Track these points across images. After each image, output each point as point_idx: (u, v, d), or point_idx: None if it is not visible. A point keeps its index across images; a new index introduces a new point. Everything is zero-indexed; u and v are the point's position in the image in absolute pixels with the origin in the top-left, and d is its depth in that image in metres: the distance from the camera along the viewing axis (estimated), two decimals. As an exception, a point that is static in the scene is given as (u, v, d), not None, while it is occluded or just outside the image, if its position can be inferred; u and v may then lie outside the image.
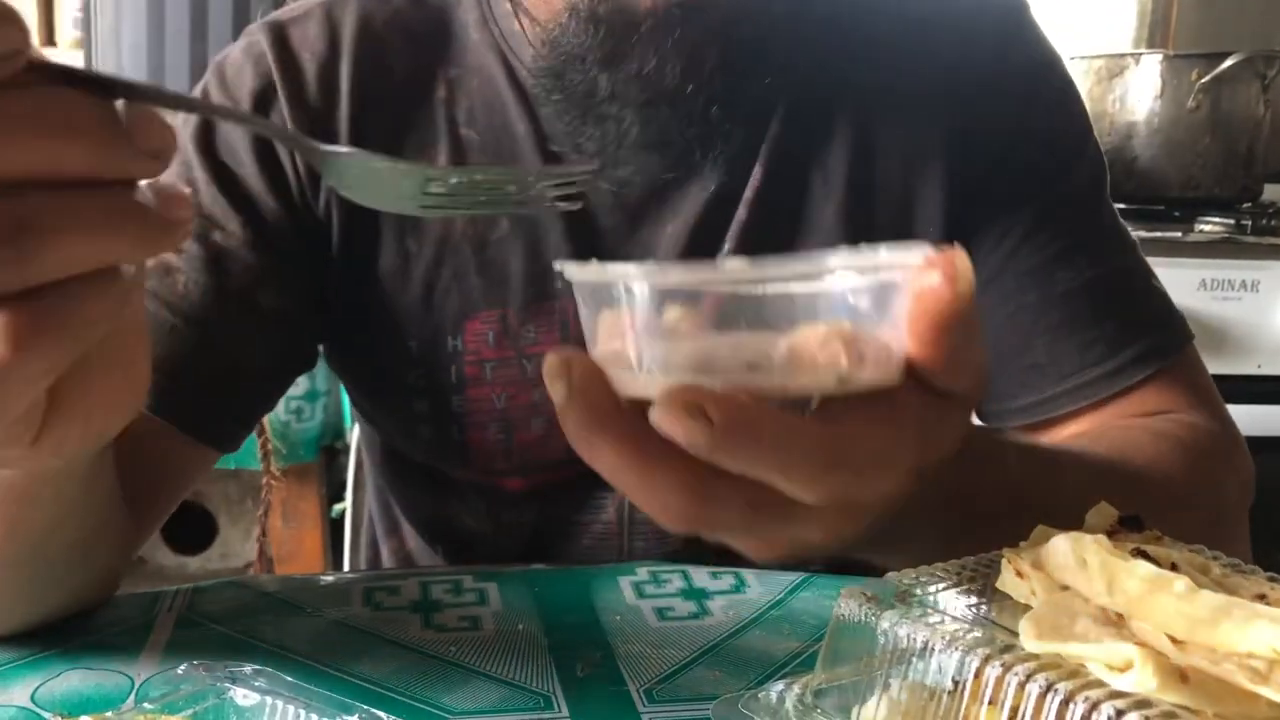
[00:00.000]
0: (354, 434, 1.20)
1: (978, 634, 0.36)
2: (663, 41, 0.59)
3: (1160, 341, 0.72)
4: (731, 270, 0.36)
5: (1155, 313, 0.73)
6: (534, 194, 0.38)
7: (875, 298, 0.37)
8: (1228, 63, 1.85)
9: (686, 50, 0.59)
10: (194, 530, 1.78)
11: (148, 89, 0.31)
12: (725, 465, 0.35)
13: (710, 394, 0.34)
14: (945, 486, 0.42)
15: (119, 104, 0.30)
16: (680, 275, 0.36)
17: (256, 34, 0.71)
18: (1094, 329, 0.71)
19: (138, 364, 0.37)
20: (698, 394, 0.34)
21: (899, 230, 0.71)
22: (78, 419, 0.36)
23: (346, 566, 1.21)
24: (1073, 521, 0.46)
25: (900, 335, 0.38)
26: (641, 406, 0.35)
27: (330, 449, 1.67)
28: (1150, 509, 0.59)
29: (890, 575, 0.41)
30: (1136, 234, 0.77)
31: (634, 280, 0.36)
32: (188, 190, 0.34)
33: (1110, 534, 0.41)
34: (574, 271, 0.37)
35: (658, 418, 0.34)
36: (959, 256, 0.36)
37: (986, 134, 0.71)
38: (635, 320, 0.36)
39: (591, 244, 0.70)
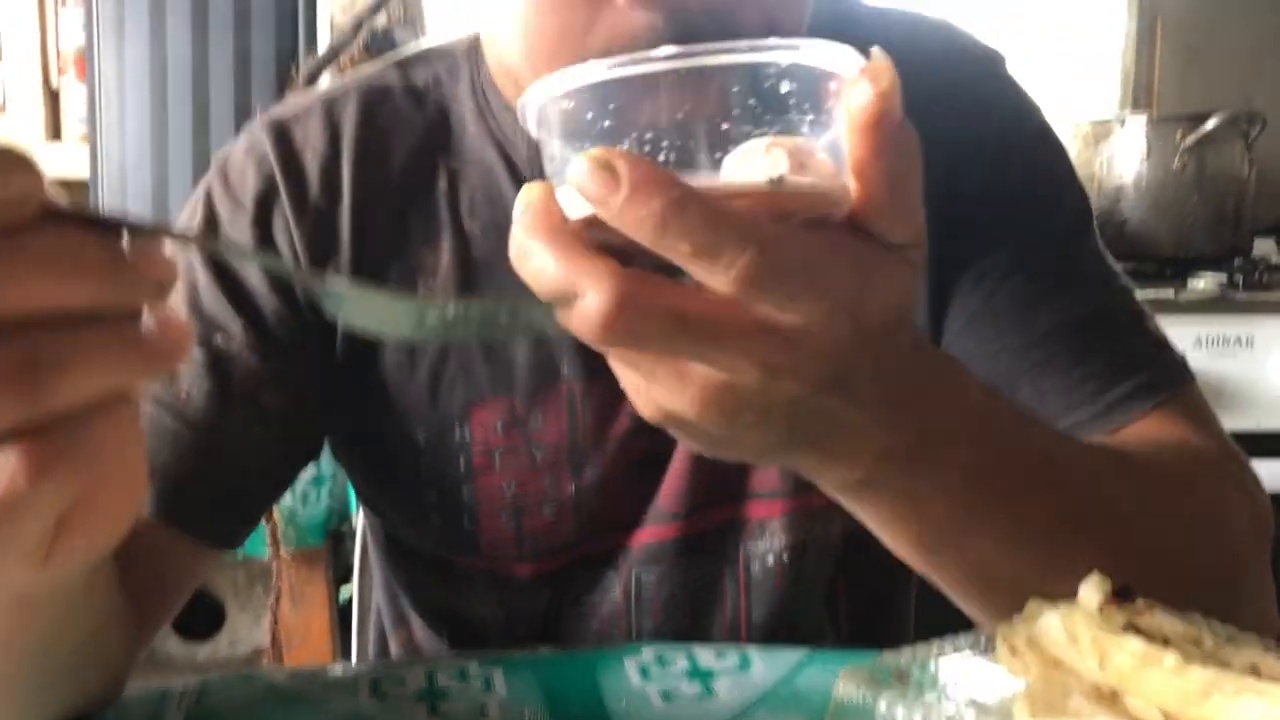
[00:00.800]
0: (359, 518, 1.21)
1: (973, 714, 0.37)
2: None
3: (1154, 378, 0.68)
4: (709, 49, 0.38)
5: (1148, 349, 0.70)
6: (525, 320, 0.39)
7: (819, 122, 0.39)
8: (1211, 123, 1.88)
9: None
10: (202, 618, 1.77)
11: (152, 226, 0.33)
12: (638, 236, 0.36)
13: (624, 155, 0.36)
14: (894, 370, 0.43)
15: (124, 240, 0.32)
16: (655, 60, 0.38)
17: (259, 133, 0.72)
18: (1081, 367, 0.68)
19: (137, 474, 0.38)
20: (610, 153, 0.36)
21: None
22: (82, 535, 0.36)
23: (354, 650, 1.21)
24: (1042, 481, 0.50)
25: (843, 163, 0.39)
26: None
27: (337, 533, 1.67)
28: (1137, 492, 0.58)
29: (887, 655, 0.41)
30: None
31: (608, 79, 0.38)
32: (183, 316, 0.35)
33: (1102, 607, 0.42)
34: (540, 90, 0.39)
35: (575, 178, 0.36)
36: (874, 59, 0.39)
37: (967, 181, 0.71)
38: (604, 126, 0.38)
39: (575, 348, 0.70)
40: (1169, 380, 0.69)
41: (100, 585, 0.54)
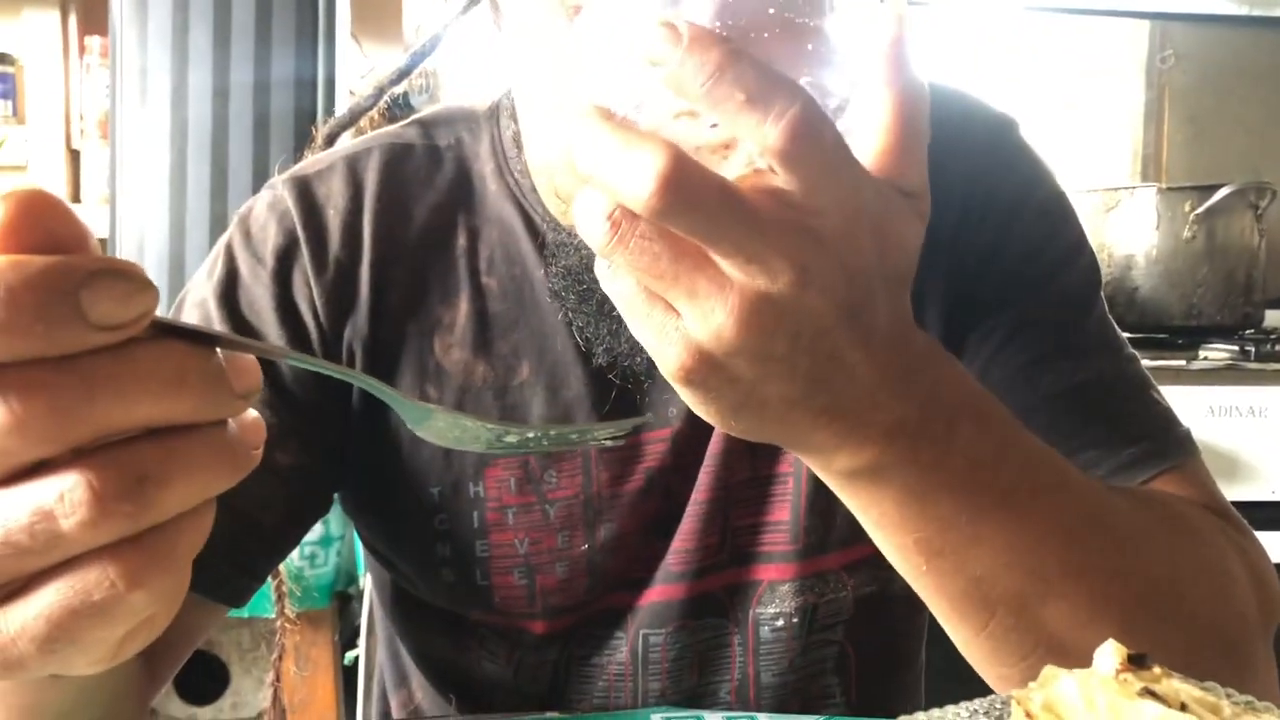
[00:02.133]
0: (367, 580, 1.20)
1: (990, 779, 0.36)
2: None
3: (1158, 447, 0.68)
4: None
5: (1152, 420, 0.70)
6: (593, 438, 0.41)
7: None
8: (1220, 194, 1.90)
9: None
10: (205, 679, 1.75)
11: (238, 339, 0.34)
12: (695, 87, 0.38)
13: (693, 26, 0.38)
14: (902, 338, 0.45)
15: (219, 352, 0.33)
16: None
17: (280, 189, 0.73)
18: (1082, 434, 0.68)
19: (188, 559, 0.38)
20: (674, 17, 0.39)
21: None
22: (147, 633, 0.37)
23: (359, 715, 1.19)
24: (1044, 484, 0.50)
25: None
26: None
27: (344, 594, 1.66)
28: (1143, 516, 0.57)
29: (902, 719, 0.41)
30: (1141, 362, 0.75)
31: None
32: (258, 415, 0.36)
33: (1118, 673, 0.41)
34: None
35: (641, 38, 0.38)
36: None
37: (977, 243, 0.72)
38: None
39: (612, 387, 0.71)
40: (1173, 450, 0.68)
41: (112, 680, 0.54)
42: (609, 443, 0.40)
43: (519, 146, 0.73)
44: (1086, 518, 0.54)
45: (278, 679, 1.35)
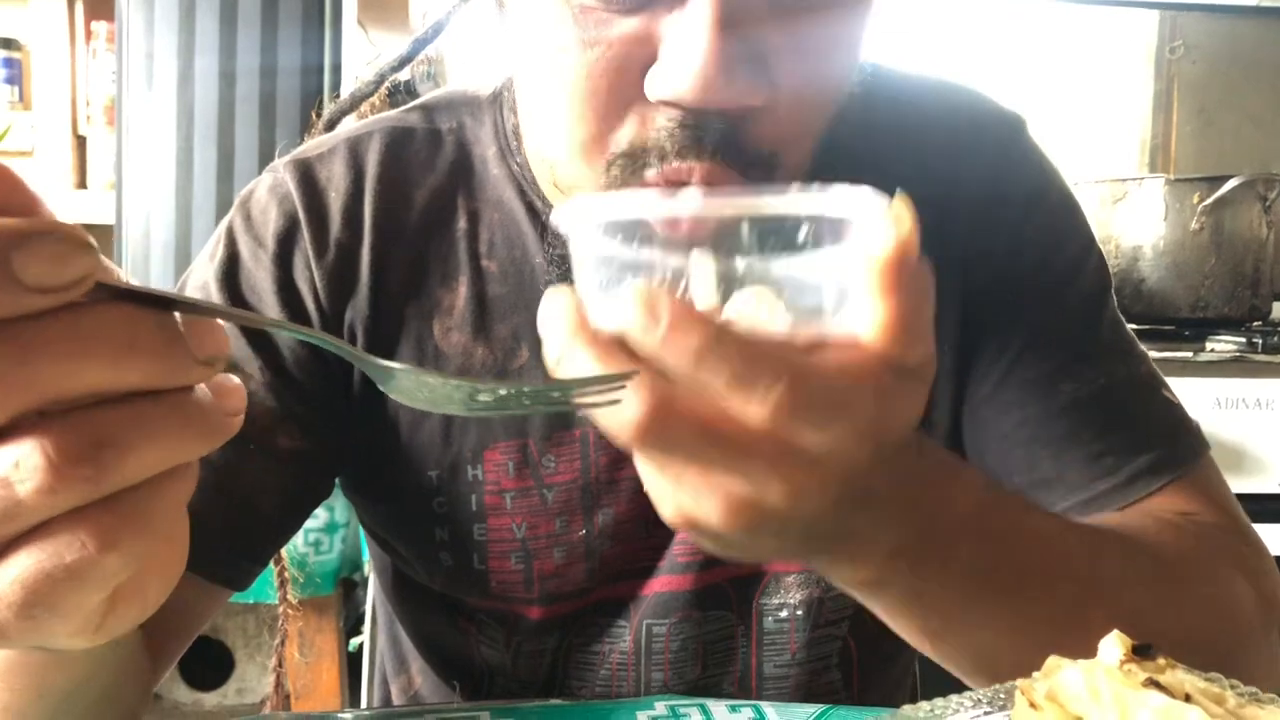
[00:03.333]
0: (371, 565, 1.20)
1: (993, 768, 0.36)
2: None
3: (1172, 452, 0.70)
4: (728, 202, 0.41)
5: (1166, 423, 0.72)
6: (577, 397, 0.40)
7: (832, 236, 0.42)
8: (1228, 186, 1.89)
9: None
10: (210, 665, 1.76)
11: (203, 303, 0.34)
12: (677, 366, 0.38)
13: (661, 293, 0.38)
14: (904, 478, 0.45)
15: (176, 316, 0.32)
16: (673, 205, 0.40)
17: (282, 172, 0.73)
18: (1100, 441, 0.69)
19: (182, 534, 0.38)
20: (654, 291, 0.38)
21: None
22: (136, 604, 0.37)
23: (364, 700, 1.20)
24: (1044, 571, 0.50)
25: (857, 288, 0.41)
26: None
27: (348, 581, 1.67)
28: (1137, 578, 0.59)
29: (906, 709, 0.41)
30: (1148, 354, 0.76)
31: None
32: (238, 382, 0.36)
33: (1122, 663, 0.41)
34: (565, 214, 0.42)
35: (619, 311, 0.38)
36: (897, 205, 0.41)
37: (988, 250, 0.72)
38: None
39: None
40: (1186, 454, 0.71)
41: (130, 636, 0.55)
42: (594, 400, 0.40)
43: (519, 134, 0.73)
44: (1086, 595, 0.56)
45: (280, 665, 1.36)
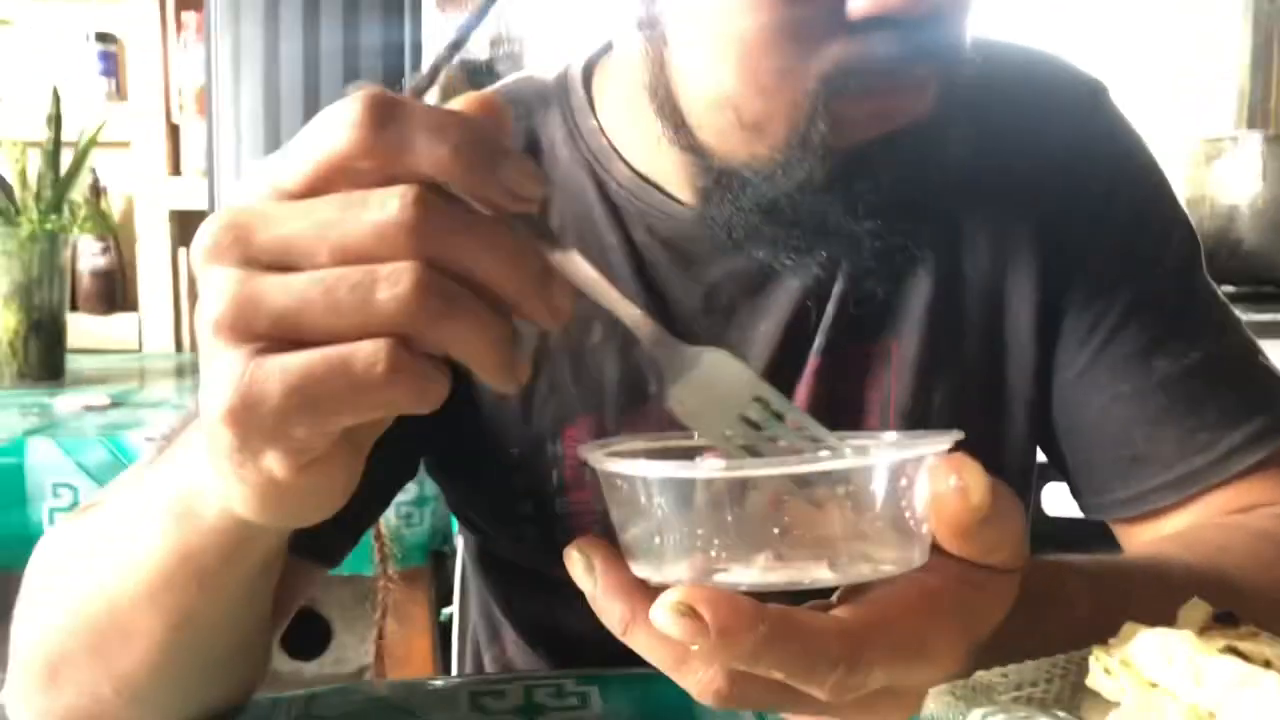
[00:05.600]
0: (460, 538, 1.23)
1: (1067, 732, 0.37)
2: (892, 160, 0.61)
3: (1267, 425, 0.69)
4: (752, 463, 0.39)
5: (1262, 394, 0.71)
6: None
7: (897, 475, 0.40)
8: (1331, 141, 1.82)
9: (912, 164, 0.62)
10: (310, 636, 1.81)
11: (581, 267, 0.42)
12: (734, 665, 0.38)
13: (704, 594, 0.37)
14: (1002, 638, 0.43)
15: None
16: (706, 471, 0.38)
17: None
18: (1195, 416, 0.69)
19: (369, 448, 0.44)
20: (690, 595, 0.37)
21: (989, 323, 0.71)
22: (342, 467, 0.42)
23: (454, 670, 1.23)
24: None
25: (927, 514, 0.40)
26: None
27: (439, 553, 1.70)
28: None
29: (979, 674, 0.41)
30: (1244, 317, 0.75)
31: (650, 473, 0.39)
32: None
33: (1203, 630, 0.41)
34: (600, 461, 0.41)
35: (656, 620, 0.37)
36: (968, 469, 0.39)
37: (1072, 224, 0.71)
38: (652, 510, 0.40)
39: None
40: None
41: (269, 579, 0.57)
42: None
43: (589, 109, 0.73)
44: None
45: (381, 636, 1.40)
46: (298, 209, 0.38)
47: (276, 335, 0.37)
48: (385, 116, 0.37)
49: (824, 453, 0.39)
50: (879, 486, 0.40)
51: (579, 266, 0.41)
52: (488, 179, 0.38)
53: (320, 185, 0.38)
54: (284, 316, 0.37)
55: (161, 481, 0.50)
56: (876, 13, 0.54)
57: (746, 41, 0.57)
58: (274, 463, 0.39)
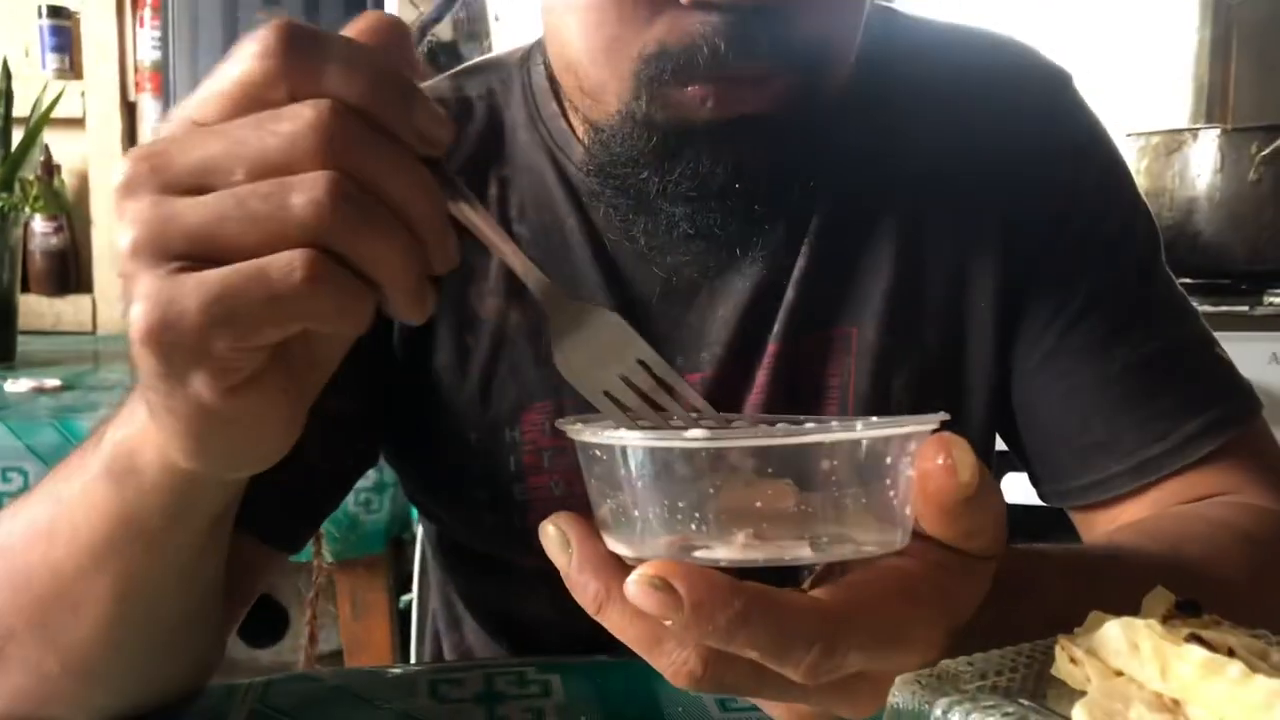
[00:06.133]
0: (420, 525, 1.22)
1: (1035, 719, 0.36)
2: (714, 147, 0.60)
3: (1223, 414, 0.70)
4: (727, 430, 0.38)
5: (1218, 384, 0.72)
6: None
7: (880, 452, 0.39)
8: (1287, 135, 1.84)
9: (735, 156, 0.61)
10: (266, 623, 1.80)
11: (480, 218, 0.41)
12: (708, 643, 0.37)
13: (680, 568, 0.36)
14: (978, 625, 0.43)
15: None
16: (691, 441, 0.37)
17: None
18: (1153, 404, 0.69)
19: (310, 392, 0.43)
20: (665, 569, 0.36)
21: (949, 310, 0.71)
22: (276, 383, 0.40)
23: (413, 657, 1.22)
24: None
25: (910, 497, 0.39)
26: None
27: (398, 540, 1.69)
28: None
29: (945, 662, 0.41)
30: (1203, 309, 0.76)
31: (630, 442, 0.38)
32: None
33: (1166, 619, 0.41)
34: (579, 432, 0.40)
35: (630, 594, 0.36)
36: (958, 446, 0.38)
37: (1035, 213, 0.72)
38: (632, 482, 0.38)
39: (643, 330, 0.70)
40: (1238, 416, 0.71)
41: (216, 547, 0.56)
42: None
43: (551, 93, 0.73)
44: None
45: (314, 616, 1.39)
46: (212, 132, 0.38)
47: (193, 254, 0.37)
48: (299, 45, 0.37)
49: (810, 425, 0.38)
50: (863, 464, 0.39)
51: (475, 216, 0.41)
52: (400, 115, 0.38)
53: (233, 115, 0.38)
54: (199, 231, 0.37)
55: (100, 447, 0.49)
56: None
57: (583, 10, 0.58)
58: (200, 384, 0.38)
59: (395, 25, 0.40)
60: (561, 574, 0.40)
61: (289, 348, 0.40)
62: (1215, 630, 0.41)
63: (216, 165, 0.37)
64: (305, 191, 0.36)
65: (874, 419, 0.39)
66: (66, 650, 0.54)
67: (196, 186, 0.37)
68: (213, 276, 0.36)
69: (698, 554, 0.38)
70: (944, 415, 0.40)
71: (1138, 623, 0.38)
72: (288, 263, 0.36)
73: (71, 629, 0.53)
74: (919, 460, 0.39)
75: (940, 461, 0.38)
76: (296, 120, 0.36)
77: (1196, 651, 0.35)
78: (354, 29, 0.39)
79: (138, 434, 0.46)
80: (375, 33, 0.39)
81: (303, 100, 0.37)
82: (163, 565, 0.52)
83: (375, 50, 0.38)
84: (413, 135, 0.38)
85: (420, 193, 0.38)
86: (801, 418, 0.41)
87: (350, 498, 1.39)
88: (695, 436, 0.37)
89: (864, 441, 0.39)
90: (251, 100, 0.37)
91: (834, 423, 0.38)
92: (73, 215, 2.06)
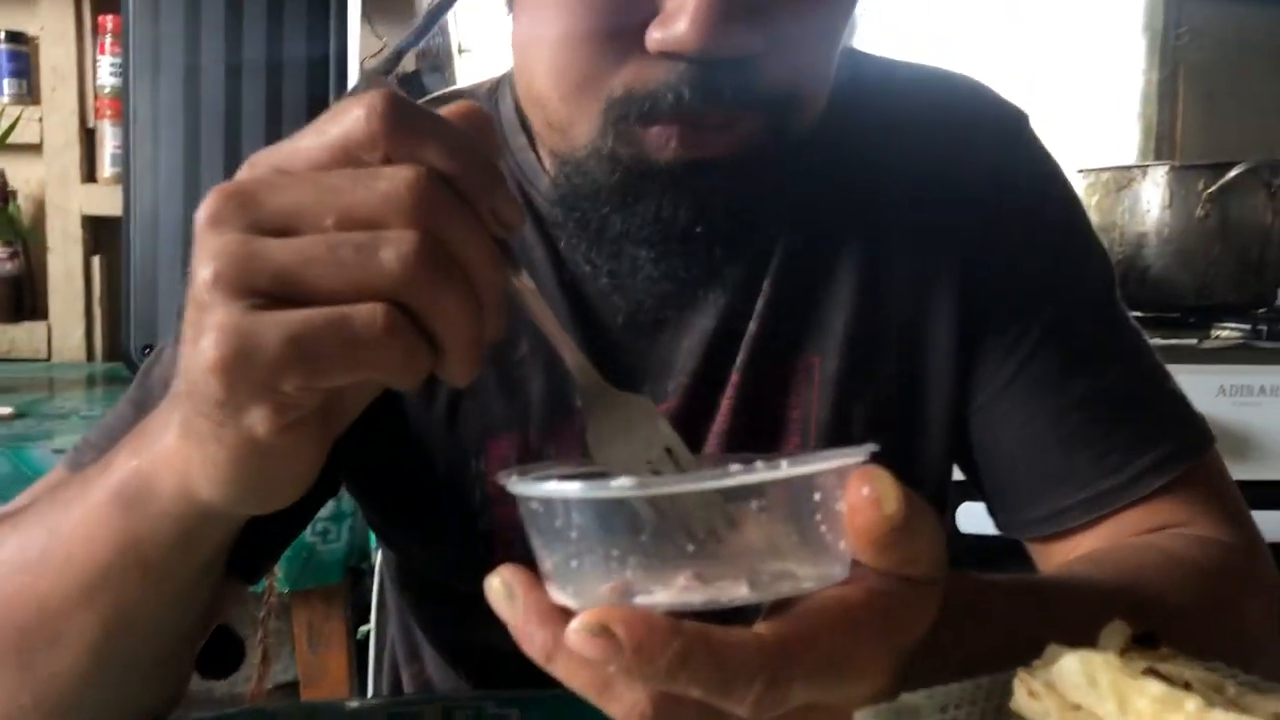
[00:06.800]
0: (378, 555, 1.21)
1: (993, 755, 0.37)
2: (676, 189, 0.61)
3: (1177, 448, 0.71)
4: (666, 480, 0.38)
5: (1171, 418, 0.73)
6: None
7: (811, 489, 0.39)
8: (1233, 173, 1.88)
9: (697, 199, 0.61)
10: (221, 654, 1.77)
11: (528, 294, 0.45)
12: (653, 685, 0.37)
13: (618, 613, 0.36)
14: (927, 652, 0.43)
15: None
16: (617, 489, 0.37)
17: None
18: (1108, 438, 0.70)
19: (333, 436, 0.46)
20: (604, 614, 0.36)
21: (909, 342, 0.73)
22: (314, 442, 0.43)
23: (370, 690, 1.21)
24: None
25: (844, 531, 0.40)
26: None
27: (356, 570, 1.67)
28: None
29: (905, 696, 0.42)
30: (1152, 342, 0.77)
31: (567, 501, 0.38)
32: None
33: (1123, 652, 0.42)
34: (515, 485, 0.40)
35: (571, 642, 0.37)
36: (880, 479, 0.38)
37: (992, 248, 0.73)
38: (569, 532, 0.39)
39: (610, 360, 0.71)
40: (1191, 449, 0.72)
41: (213, 577, 0.56)
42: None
43: (519, 125, 0.73)
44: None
45: (266, 634, 1.37)
46: (306, 178, 0.40)
47: (275, 291, 0.38)
48: (401, 114, 0.40)
49: (735, 467, 0.38)
50: (793, 501, 0.39)
51: (528, 294, 0.45)
52: (483, 193, 0.41)
53: (326, 167, 0.40)
54: (284, 271, 0.38)
55: (108, 473, 0.49)
56: (669, 49, 0.56)
57: (553, 47, 0.59)
58: (258, 419, 0.40)
59: (482, 115, 0.44)
60: (509, 626, 0.40)
61: (334, 393, 0.42)
62: (1172, 664, 0.42)
63: (307, 210, 0.39)
64: (395, 246, 0.38)
65: (802, 455, 0.39)
66: (42, 683, 0.53)
67: (282, 228, 0.39)
68: (295, 316, 0.38)
69: (638, 599, 0.39)
70: (872, 447, 0.40)
71: (1095, 656, 0.39)
72: (370, 312, 0.38)
73: (51, 663, 0.53)
74: (846, 495, 0.39)
75: (865, 494, 0.39)
76: (394, 180, 0.39)
77: (1154, 685, 0.36)
78: (447, 111, 0.43)
79: (156, 460, 0.47)
80: (466, 118, 0.43)
81: (396, 165, 0.39)
82: (157, 597, 0.52)
83: (466, 130, 0.42)
84: (489, 214, 0.41)
85: (491, 264, 0.41)
86: (753, 455, 0.42)
87: (308, 527, 1.38)
88: (623, 485, 0.38)
89: (790, 479, 0.39)
90: (347, 157, 0.40)
91: (758, 461, 0.38)
92: (28, 241, 2.03)
